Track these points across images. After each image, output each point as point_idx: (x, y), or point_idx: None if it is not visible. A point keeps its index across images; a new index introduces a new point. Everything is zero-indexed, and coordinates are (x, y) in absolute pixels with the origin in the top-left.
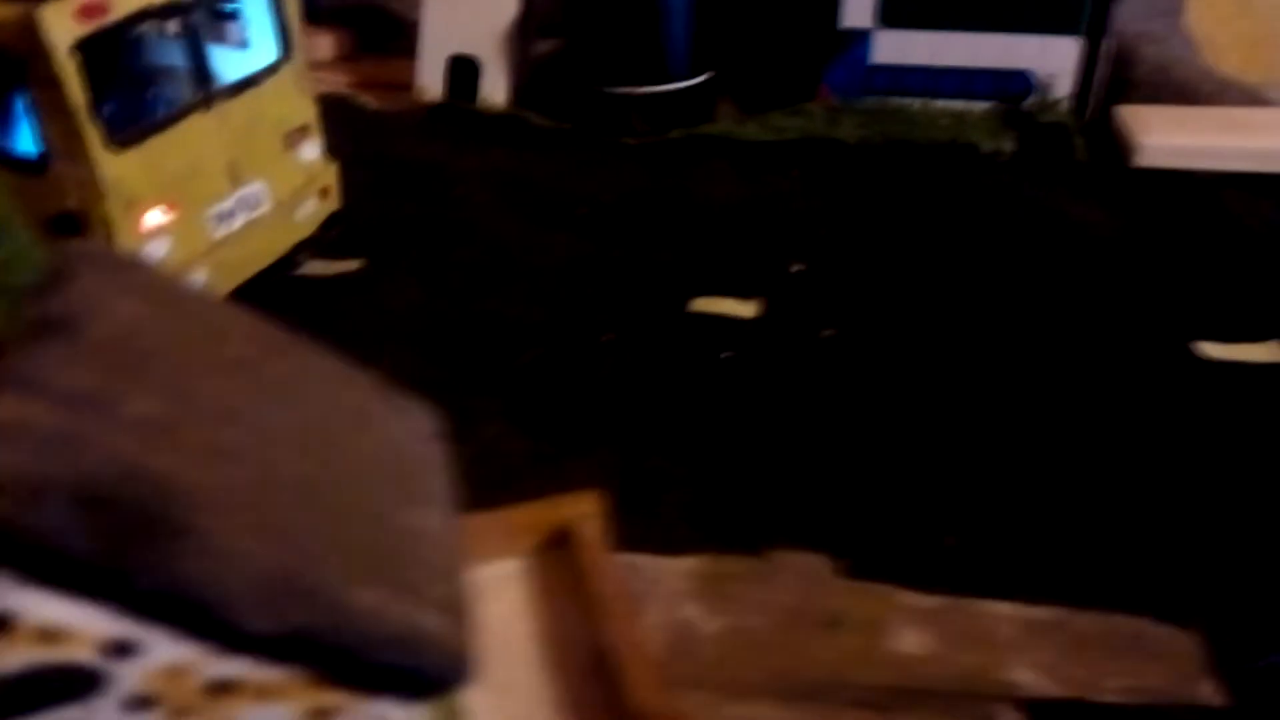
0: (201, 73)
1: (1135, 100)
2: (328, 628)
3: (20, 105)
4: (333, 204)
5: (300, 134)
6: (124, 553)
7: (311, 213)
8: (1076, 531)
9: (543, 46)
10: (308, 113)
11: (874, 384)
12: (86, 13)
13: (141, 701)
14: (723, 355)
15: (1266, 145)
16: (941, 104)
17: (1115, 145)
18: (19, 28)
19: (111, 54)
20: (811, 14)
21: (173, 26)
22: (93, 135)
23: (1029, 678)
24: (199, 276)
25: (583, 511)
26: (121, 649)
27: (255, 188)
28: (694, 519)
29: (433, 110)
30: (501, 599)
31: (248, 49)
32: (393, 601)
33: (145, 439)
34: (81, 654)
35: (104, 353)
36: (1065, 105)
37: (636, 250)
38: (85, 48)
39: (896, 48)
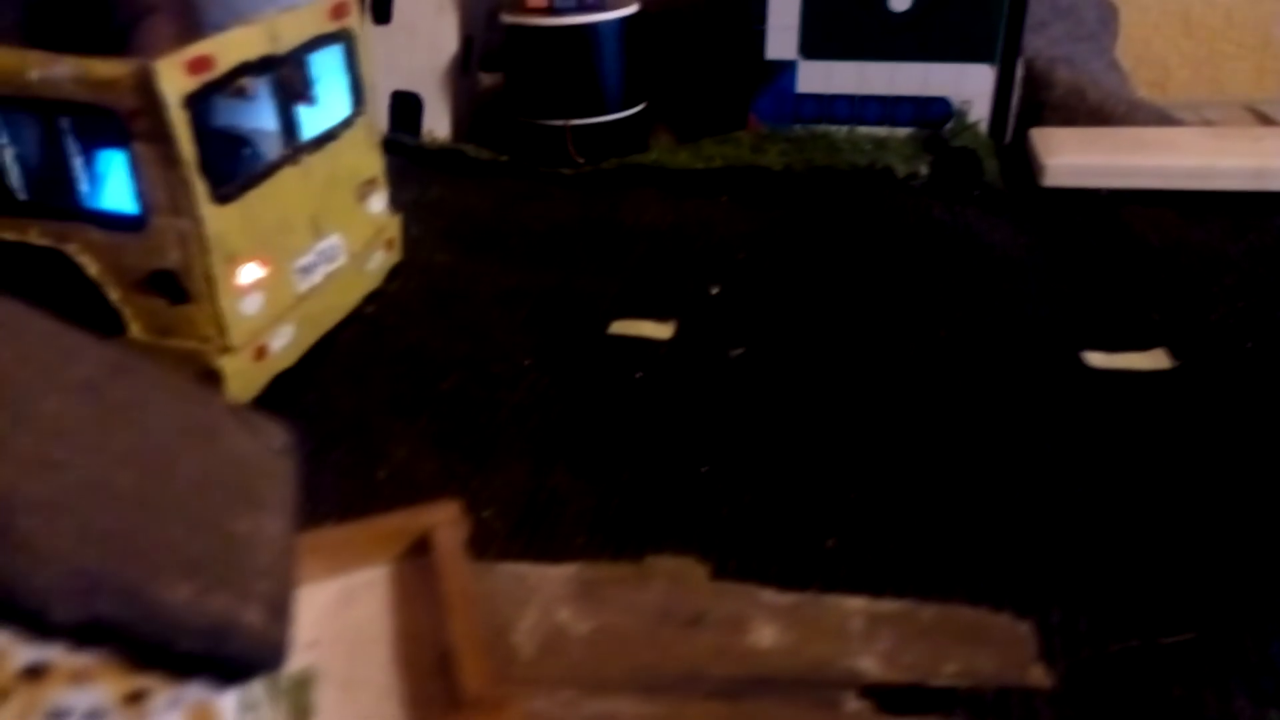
0: (290, 127)
1: (1052, 123)
2: (132, 619)
3: (113, 165)
4: (396, 255)
5: (370, 186)
6: None
7: (380, 264)
8: (946, 529)
9: (488, 80)
10: (376, 166)
11: (776, 399)
12: (195, 66)
13: None
14: (636, 375)
15: (1166, 163)
16: (865, 130)
17: (1027, 167)
18: (131, 83)
19: (212, 109)
20: (739, 46)
21: (264, 81)
22: (200, 190)
23: (871, 665)
24: (286, 330)
25: (441, 519)
26: None
27: (333, 240)
28: (592, 529)
29: None
30: (363, 602)
31: (322, 103)
32: (207, 595)
33: None
34: None
35: None
36: (982, 129)
37: (564, 277)
38: (193, 101)
39: (820, 77)
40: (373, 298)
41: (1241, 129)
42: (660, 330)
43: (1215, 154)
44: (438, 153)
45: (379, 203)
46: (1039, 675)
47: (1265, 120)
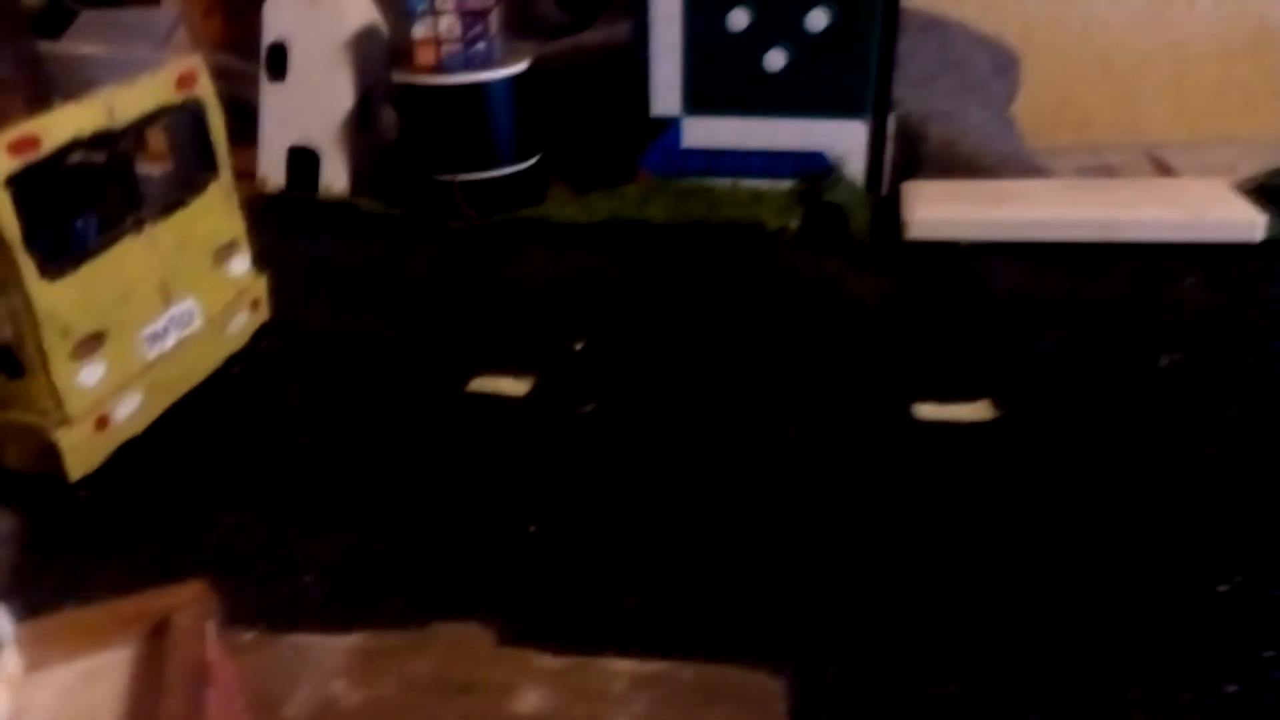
0: (130, 197)
1: (928, 176)
2: None
3: None
4: (262, 316)
5: (230, 249)
6: None
7: (243, 326)
8: (743, 586)
9: (388, 134)
10: (236, 228)
11: (619, 455)
12: (18, 147)
13: None
14: (484, 434)
15: (1019, 216)
16: (746, 184)
17: (896, 220)
18: None
19: (42, 185)
20: (627, 101)
21: (100, 154)
22: (26, 267)
23: None
24: (132, 399)
25: (182, 599)
26: None
27: (187, 305)
28: (411, 593)
29: (271, 200)
30: (102, 684)
31: (172, 171)
32: None
33: None
34: None
35: None
36: (856, 183)
37: (434, 333)
38: (17, 181)
39: (705, 132)
40: (239, 358)
41: (1098, 181)
42: (517, 386)
43: (1067, 206)
44: (330, 207)
45: (241, 264)
46: None
47: (1162, 167)
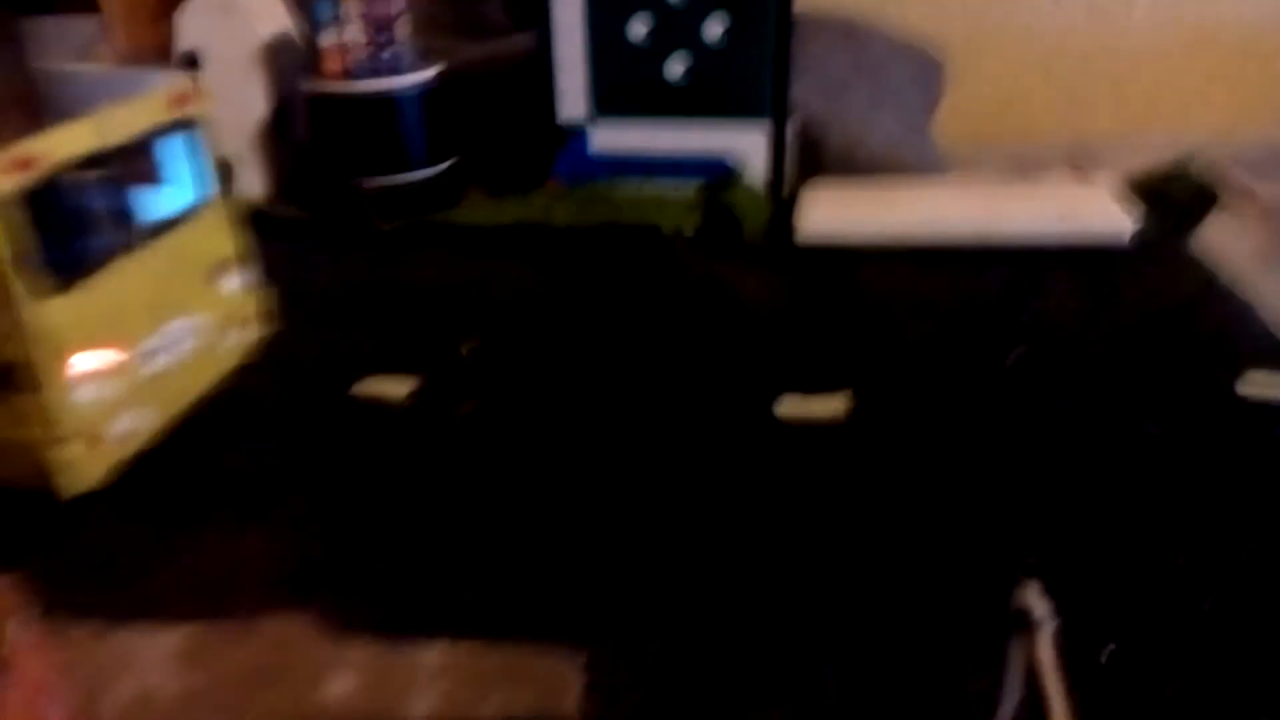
0: (124, 216)
1: (829, 179)
2: None
3: None
4: (257, 332)
5: (224, 267)
6: None
7: (236, 343)
8: (582, 574)
9: (302, 141)
10: (230, 246)
11: (484, 455)
12: (14, 166)
13: None
14: (369, 434)
15: (902, 220)
16: (649, 188)
17: (790, 223)
18: None
19: (37, 204)
20: (536, 107)
21: (95, 174)
22: (22, 286)
23: (424, 706)
24: (128, 416)
25: None
26: None
27: (181, 323)
28: (265, 586)
29: None
30: None
31: (167, 190)
32: None
33: None
34: None
35: None
36: (756, 185)
37: (328, 337)
38: (13, 201)
39: (612, 138)
40: (252, 373)
41: (985, 186)
42: (399, 389)
43: (948, 210)
44: (245, 213)
45: (234, 281)
46: (570, 708)
47: (1075, 167)
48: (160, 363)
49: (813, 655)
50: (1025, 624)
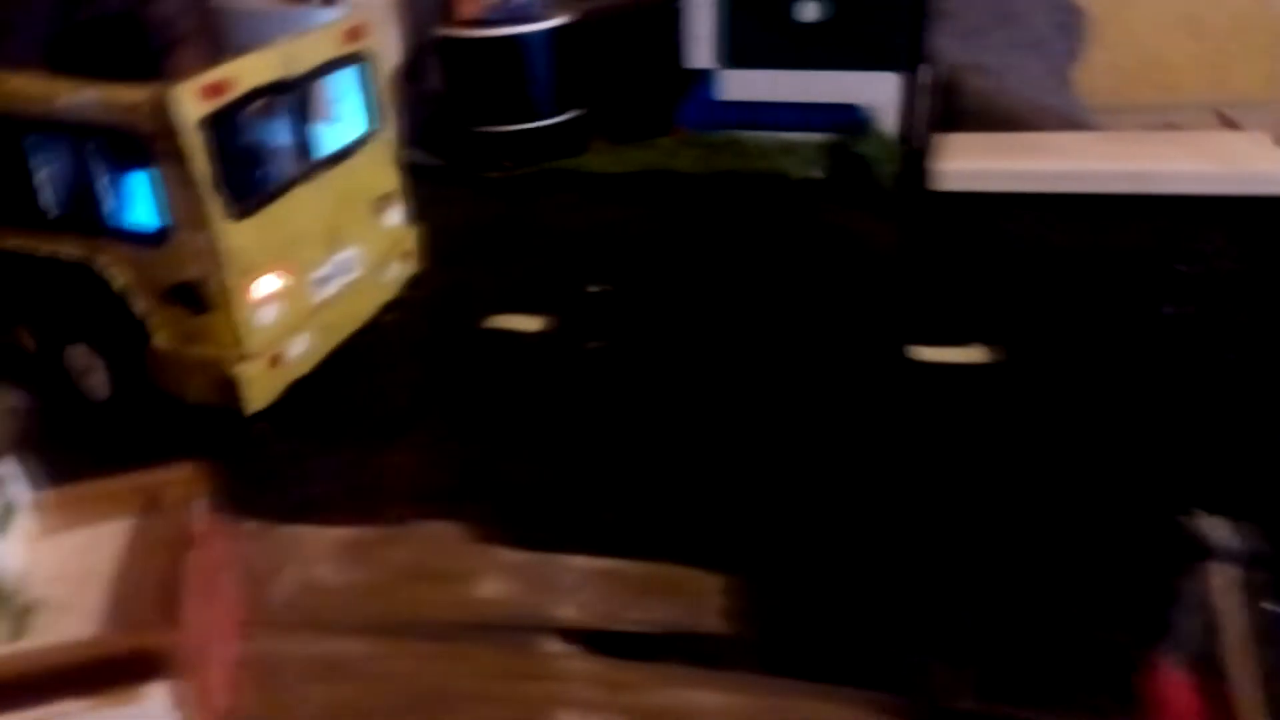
0: (305, 145)
1: (966, 129)
2: None
3: (138, 183)
4: (413, 266)
5: (387, 200)
6: None
7: (396, 275)
8: (726, 507)
9: (436, 88)
10: (393, 180)
11: (617, 387)
12: (210, 91)
13: None
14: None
15: (1048, 168)
16: (777, 136)
17: (925, 171)
18: (150, 108)
19: (226, 131)
20: (663, 55)
21: (279, 103)
22: (215, 207)
23: (571, 613)
24: (302, 339)
25: (174, 478)
26: None
27: (349, 253)
28: (415, 497)
29: None
30: (102, 549)
31: (340, 122)
32: None
33: None
34: None
35: None
36: (888, 135)
37: (462, 274)
38: (209, 124)
39: (740, 85)
40: (393, 306)
41: (1135, 134)
42: (531, 324)
43: (1098, 159)
44: None
45: (396, 216)
46: (718, 623)
47: (1228, 124)
48: (330, 290)
49: (955, 596)
50: (1201, 553)
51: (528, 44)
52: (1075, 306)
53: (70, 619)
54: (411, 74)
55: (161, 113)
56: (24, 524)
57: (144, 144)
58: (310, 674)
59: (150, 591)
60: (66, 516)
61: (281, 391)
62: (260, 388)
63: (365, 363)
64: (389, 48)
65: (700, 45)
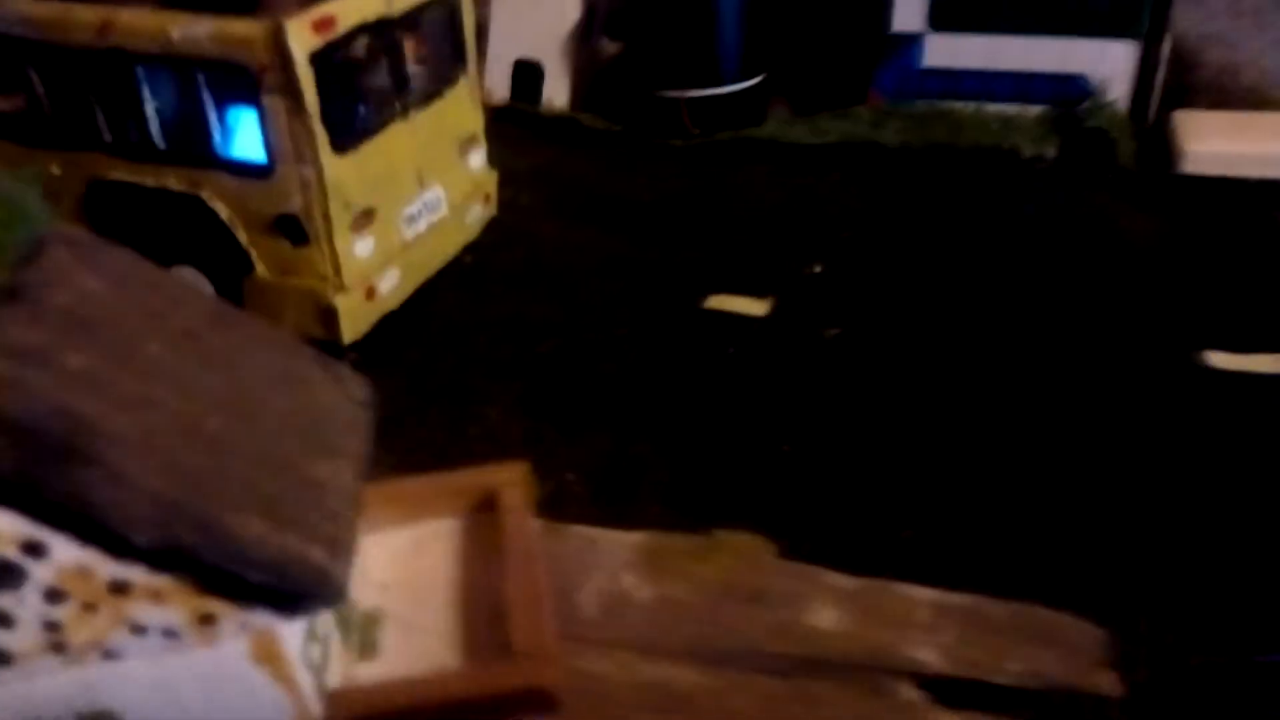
0: (400, 85)
1: (1199, 105)
2: (205, 546)
3: (244, 117)
4: (492, 210)
5: (471, 143)
6: (37, 471)
7: (477, 217)
8: (1027, 527)
9: (610, 49)
10: (477, 123)
11: (869, 383)
12: (320, 26)
13: (56, 594)
14: (729, 351)
15: None
16: (993, 108)
17: (1167, 151)
18: (265, 41)
19: (334, 66)
20: (861, 17)
21: (379, 40)
22: (322, 140)
23: (931, 657)
24: (393, 274)
25: (508, 479)
26: (33, 548)
27: (436, 192)
28: (667, 500)
29: (496, 112)
30: (431, 551)
31: (430, 62)
32: (277, 533)
33: (76, 387)
34: (4, 550)
35: (58, 317)
36: (1119, 110)
37: (665, 249)
38: (318, 58)
39: (948, 51)
40: (471, 248)
41: None
42: (755, 307)
43: None
44: (553, 121)
45: (478, 159)
46: (1108, 682)
47: None
48: (418, 228)
49: None
50: None
51: (713, 2)
52: None
53: (419, 637)
54: (586, 33)
55: (274, 46)
56: None
57: (254, 77)
58: (644, 704)
59: (499, 608)
60: (388, 514)
61: (372, 324)
62: (355, 320)
63: (594, 343)
64: (567, 7)
65: (905, 6)
